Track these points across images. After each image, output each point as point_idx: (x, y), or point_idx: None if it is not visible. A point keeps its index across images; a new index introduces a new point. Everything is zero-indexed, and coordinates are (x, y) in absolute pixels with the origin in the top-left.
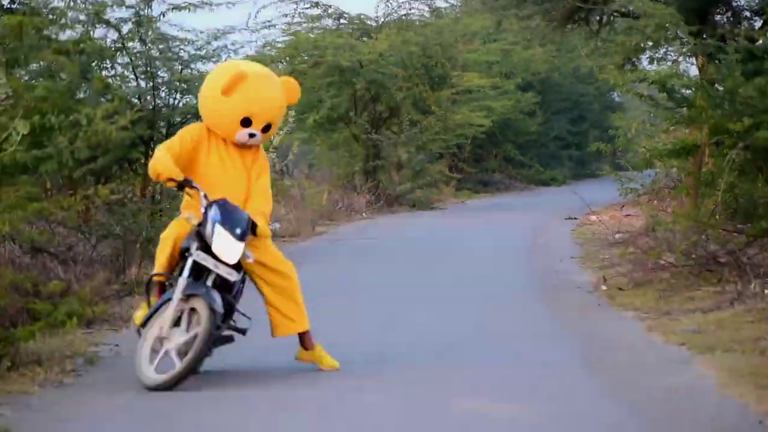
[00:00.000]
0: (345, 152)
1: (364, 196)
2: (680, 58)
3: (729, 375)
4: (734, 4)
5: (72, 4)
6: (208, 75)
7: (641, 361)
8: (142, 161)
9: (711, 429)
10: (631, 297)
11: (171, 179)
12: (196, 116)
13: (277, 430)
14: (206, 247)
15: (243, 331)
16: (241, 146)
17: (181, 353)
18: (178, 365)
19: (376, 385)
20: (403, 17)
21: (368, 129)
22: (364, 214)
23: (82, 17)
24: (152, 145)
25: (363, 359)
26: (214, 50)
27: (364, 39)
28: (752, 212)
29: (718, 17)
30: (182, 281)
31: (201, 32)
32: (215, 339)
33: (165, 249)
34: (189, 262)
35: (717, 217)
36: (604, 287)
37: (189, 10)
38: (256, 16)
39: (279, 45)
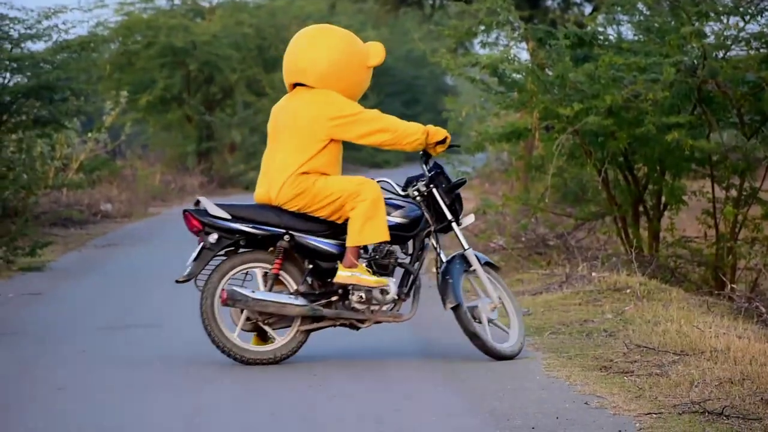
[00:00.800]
0: (178, 133)
1: (197, 178)
2: (511, 43)
3: (556, 356)
4: None
5: None
6: (328, 43)
7: (469, 344)
8: None
9: (538, 409)
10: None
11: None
12: (27, 96)
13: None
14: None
15: None
16: None
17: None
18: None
19: (211, 377)
20: None
21: (202, 110)
22: (196, 195)
23: None
24: None
25: (196, 342)
26: (44, 29)
27: (198, 20)
28: (581, 196)
29: (549, 3)
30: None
31: (31, 11)
32: None
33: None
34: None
35: (546, 200)
36: (434, 270)
37: None
38: None
39: (111, 25)
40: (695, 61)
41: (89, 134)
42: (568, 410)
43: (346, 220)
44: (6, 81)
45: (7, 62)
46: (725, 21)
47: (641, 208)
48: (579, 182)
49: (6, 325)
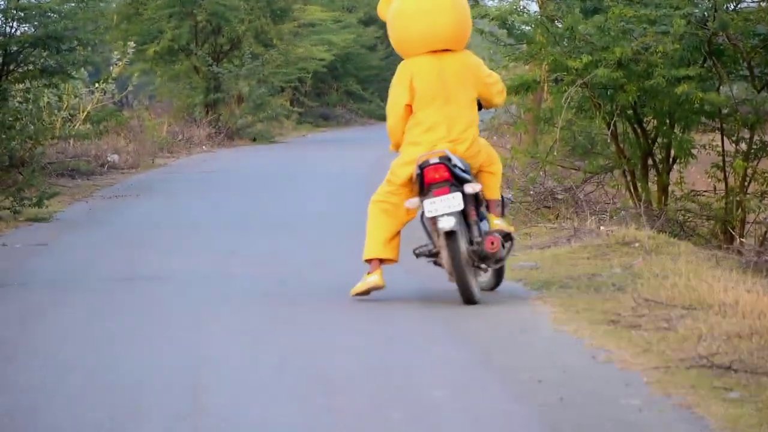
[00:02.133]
0: (185, 84)
1: (205, 129)
2: None
3: (564, 311)
4: None
5: None
6: (462, 5)
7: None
8: None
9: (545, 363)
10: None
11: None
12: (34, 45)
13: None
14: None
15: None
16: None
17: None
18: None
19: (220, 314)
20: None
21: (209, 61)
22: (204, 146)
23: None
24: None
25: (206, 288)
26: None
27: None
28: (590, 149)
29: None
30: None
31: None
32: None
33: None
34: None
35: (555, 153)
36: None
37: None
38: None
39: None
40: (705, 13)
41: (96, 84)
42: (575, 364)
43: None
44: (13, 30)
45: (14, 11)
46: None
47: (650, 162)
48: (588, 135)
49: (12, 275)
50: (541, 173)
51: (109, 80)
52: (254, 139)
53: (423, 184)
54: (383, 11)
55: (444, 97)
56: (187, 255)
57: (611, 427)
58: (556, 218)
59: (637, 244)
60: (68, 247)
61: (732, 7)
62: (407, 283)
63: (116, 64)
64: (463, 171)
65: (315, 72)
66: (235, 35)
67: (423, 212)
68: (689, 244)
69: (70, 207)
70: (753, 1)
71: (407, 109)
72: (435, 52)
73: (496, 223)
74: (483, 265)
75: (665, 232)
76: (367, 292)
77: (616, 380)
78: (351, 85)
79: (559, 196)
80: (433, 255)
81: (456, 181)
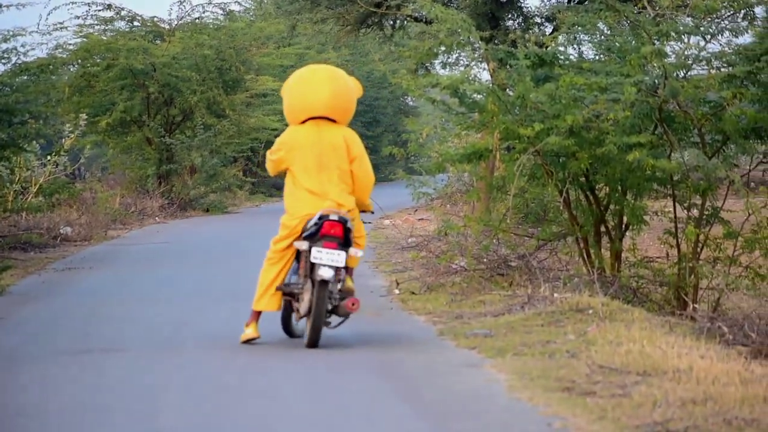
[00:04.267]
0: (138, 156)
1: (158, 200)
2: (472, 64)
3: (519, 378)
4: (525, 9)
5: None
6: (343, 81)
7: (432, 365)
8: None
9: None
10: (424, 301)
11: None
12: None
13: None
14: None
15: None
16: None
17: None
18: None
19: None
20: (197, 20)
21: (162, 132)
22: (157, 218)
23: None
24: None
25: (160, 359)
26: (3, 52)
27: (158, 42)
28: (542, 216)
29: (509, 23)
30: None
31: None
32: None
33: None
34: None
35: (508, 221)
36: (396, 291)
37: None
38: (47, 18)
39: (71, 47)
40: (656, 80)
41: (48, 157)
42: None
43: None
44: None
45: None
46: (686, 40)
47: (603, 229)
48: (540, 203)
49: None
50: (494, 241)
51: (61, 152)
52: (207, 210)
53: (316, 232)
54: (284, 89)
55: (317, 165)
56: (141, 326)
57: None
58: (510, 285)
59: (590, 311)
60: (22, 320)
61: (682, 74)
62: (361, 351)
63: (68, 137)
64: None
65: (267, 142)
66: (188, 106)
67: (300, 254)
68: (643, 311)
69: (23, 280)
70: (703, 69)
71: (283, 165)
72: (315, 119)
73: (349, 285)
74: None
75: (619, 299)
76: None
77: None
78: None
79: (513, 264)
80: (292, 294)
81: (344, 242)
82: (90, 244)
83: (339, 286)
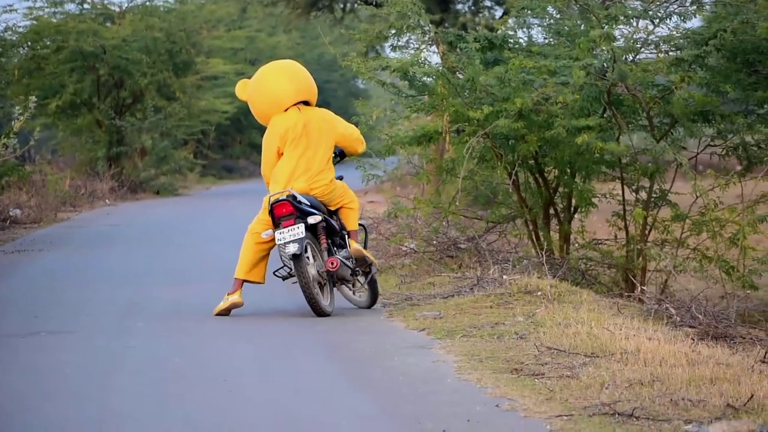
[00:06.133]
0: (88, 138)
1: (108, 183)
2: (422, 47)
3: (468, 360)
4: None
5: None
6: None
7: (381, 347)
8: None
9: (450, 412)
10: None
11: None
12: None
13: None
14: None
15: None
16: None
17: None
18: None
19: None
20: (147, 3)
21: (112, 115)
22: (107, 200)
23: None
24: None
25: (110, 342)
26: None
27: (108, 24)
28: (492, 199)
29: (459, 6)
30: None
31: None
32: None
33: None
34: None
35: (458, 203)
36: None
37: None
38: None
39: (20, 29)
40: (605, 64)
41: None
42: (479, 413)
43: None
44: None
45: None
46: (635, 24)
47: (552, 211)
48: (490, 185)
49: None
50: (444, 223)
51: (11, 135)
52: (158, 192)
53: (274, 219)
54: (241, 93)
55: (305, 145)
56: (91, 309)
57: None
58: (459, 268)
59: (539, 293)
60: None
61: (631, 58)
62: (311, 333)
63: (18, 119)
64: (310, 206)
65: (218, 124)
66: (138, 89)
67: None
68: (591, 293)
69: None
70: (651, 53)
71: (278, 154)
72: (296, 105)
73: (355, 247)
74: (346, 284)
75: (567, 281)
76: (227, 311)
77: (520, 428)
78: (254, 137)
79: (462, 246)
80: (291, 276)
81: (301, 215)
82: (40, 227)
83: (329, 253)
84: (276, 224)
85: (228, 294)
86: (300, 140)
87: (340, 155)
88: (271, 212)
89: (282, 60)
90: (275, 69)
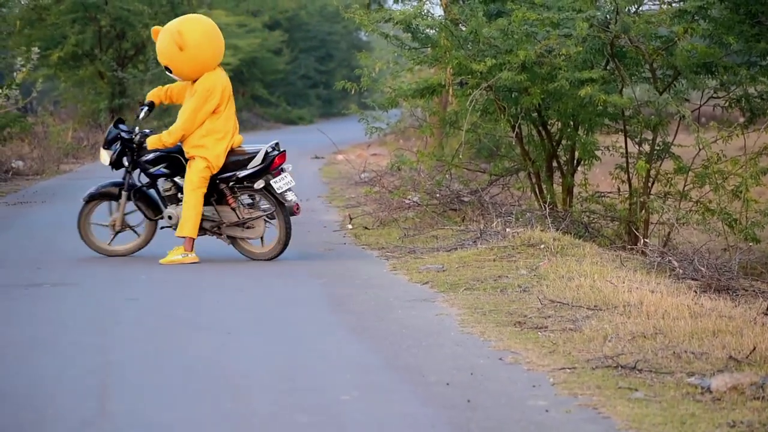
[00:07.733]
0: (90, 90)
1: None
2: None
3: (471, 313)
4: None
5: None
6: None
7: (385, 300)
8: None
9: (453, 365)
10: (377, 236)
11: None
12: None
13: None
14: None
15: None
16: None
17: None
18: None
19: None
20: None
21: (114, 66)
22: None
23: None
24: None
25: (111, 293)
26: None
27: None
28: (495, 152)
29: None
30: None
31: None
32: None
33: None
34: None
35: (461, 156)
36: (349, 226)
37: None
38: None
39: None
40: (608, 16)
41: (0, 90)
42: (482, 366)
43: None
44: None
45: None
46: None
47: (555, 164)
48: (493, 138)
49: None
50: (447, 176)
51: (13, 86)
52: None
53: (266, 168)
54: (170, 39)
55: (232, 101)
56: (93, 260)
57: (519, 429)
58: (463, 221)
59: (542, 246)
60: None
61: (634, 9)
62: (313, 286)
63: (20, 70)
64: None
65: None
66: (140, 40)
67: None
68: (594, 246)
69: None
70: (654, 4)
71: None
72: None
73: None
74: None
75: (570, 234)
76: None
77: (523, 381)
78: (257, 89)
79: (465, 199)
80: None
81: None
82: (42, 178)
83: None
84: (256, 174)
85: (187, 251)
86: (232, 97)
87: (150, 106)
88: (271, 162)
89: (201, 16)
90: (214, 25)
